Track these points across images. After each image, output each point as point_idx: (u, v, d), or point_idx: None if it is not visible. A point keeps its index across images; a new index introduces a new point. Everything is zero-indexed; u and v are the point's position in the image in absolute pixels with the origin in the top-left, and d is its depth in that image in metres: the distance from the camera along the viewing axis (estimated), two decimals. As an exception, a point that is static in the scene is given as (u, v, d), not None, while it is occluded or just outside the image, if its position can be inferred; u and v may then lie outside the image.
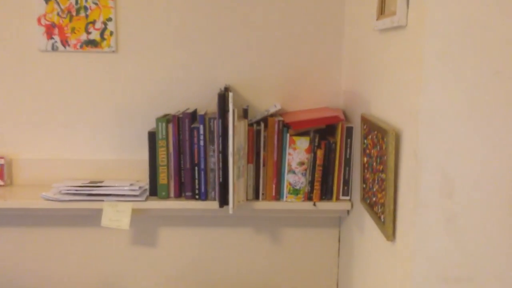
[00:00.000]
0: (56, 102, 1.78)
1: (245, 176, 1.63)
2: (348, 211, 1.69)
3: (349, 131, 1.62)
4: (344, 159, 1.63)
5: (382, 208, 1.23)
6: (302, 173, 1.63)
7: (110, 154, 1.80)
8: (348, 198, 1.65)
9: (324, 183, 1.64)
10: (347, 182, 1.64)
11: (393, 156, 1.14)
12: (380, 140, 1.23)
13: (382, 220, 1.22)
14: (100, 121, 1.79)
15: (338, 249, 1.83)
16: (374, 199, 1.32)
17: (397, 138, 1.14)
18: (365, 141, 1.40)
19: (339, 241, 1.83)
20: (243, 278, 1.85)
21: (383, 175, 1.22)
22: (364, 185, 1.42)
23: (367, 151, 1.39)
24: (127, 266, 1.84)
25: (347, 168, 1.64)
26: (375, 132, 1.28)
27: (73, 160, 1.78)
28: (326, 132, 1.69)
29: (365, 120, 1.39)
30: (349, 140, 1.63)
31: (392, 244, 1.18)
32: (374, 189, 1.31)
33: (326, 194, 1.65)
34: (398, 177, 1.15)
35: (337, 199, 1.65)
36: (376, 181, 1.30)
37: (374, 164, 1.31)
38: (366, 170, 1.40)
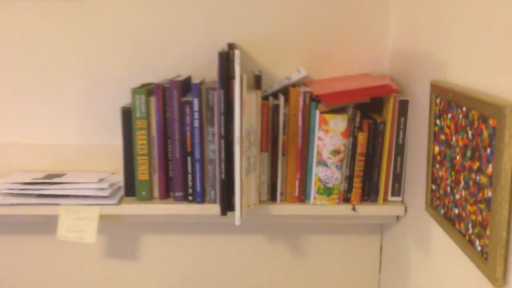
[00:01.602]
0: (3, 71, 1.31)
1: (257, 170, 1.17)
2: (397, 217, 1.23)
3: (404, 107, 1.15)
4: (395, 146, 1.17)
5: (478, 230, 0.78)
6: (336, 166, 1.17)
7: (74, 138, 1.34)
8: (399, 199, 1.19)
9: (367, 179, 1.18)
10: (398, 178, 1.18)
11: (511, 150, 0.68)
12: (479, 123, 0.77)
13: (479, 249, 0.77)
14: (61, 95, 1.32)
15: (380, 264, 1.38)
16: (456, 211, 0.86)
17: (519, 120, 0.68)
18: (439, 122, 0.94)
19: (380, 253, 1.38)
20: (254, 299, 1.42)
21: (481, 179, 0.76)
22: (435, 187, 0.96)
23: (442, 136, 0.92)
24: (99, 284, 1.41)
25: (399, 159, 1.18)
26: (464, 109, 0.81)
27: (27, 146, 1.33)
28: (369, 109, 1.22)
29: (440, 91, 0.92)
30: (403, 120, 1.16)
31: (500, 291, 0.73)
32: (458, 197, 0.86)
33: (369, 194, 1.19)
34: (516, 184, 0.69)
35: (385, 200, 1.19)
36: (462, 185, 0.84)
37: (459, 158, 0.85)
38: (439, 165, 0.94)
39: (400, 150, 1.17)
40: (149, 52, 1.31)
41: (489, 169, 0.74)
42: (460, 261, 0.86)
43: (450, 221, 0.89)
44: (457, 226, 0.86)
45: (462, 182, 0.84)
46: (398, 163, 1.17)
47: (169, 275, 1.40)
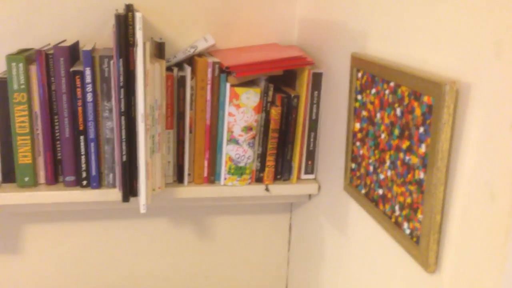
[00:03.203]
0: None
1: (162, 149, 1.05)
2: (309, 195, 1.19)
3: (317, 80, 1.10)
4: (308, 121, 1.11)
5: (407, 212, 0.74)
6: (249, 143, 1.08)
7: None
8: (313, 177, 1.15)
9: (280, 156, 1.12)
10: (311, 155, 1.13)
11: (450, 131, 0.64)
12: (410, 100, 0.72)
13: (408, 232, 0.74)
14: None
15: (289, 243, 1.34)
16: (380, 191, 0.83)
17: (456, 99, 0.64)
18: (361, 97, 0.89)
19: (289, 232, 1.34)
20: (160, 285, 1.30)
21: (412, 159, 0.73)
22: (354, 165, 0.92)
23: (364, 113, 0.88)
24: (-25, 285, 1.21)
25: (313, 135, 1.12)
26: (392, 84, 0.76)
27: None
28: (280, 82, 1.15)
29: (363, 64, 0.87)
30: (316, 94, 1.10)
31: (430, 276, 0.70)
32: (382, 177, 0.82)
33: (283, 172, 1.13)
34: (450, 168, 0.66)
35: (298, 178, 1.14)
36: (387, 164, 0.80)
37: (384, 136, 0.81)
38: (360, 143, 0.90)
39: (313, 126, 1.11)
40: (26, 11, 1.10)
41: (422, 149, 0.70)
42: (383, 242, 0.83)
43: (373, 202, 0.86)
44: (381, 207, 0.83)
45: (388, 161, 0.80)
46: (312, 140, 1.12)
47: (61, 268, 1.23)
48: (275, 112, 1.08)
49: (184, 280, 1.31)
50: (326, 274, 1.10)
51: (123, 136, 0.98)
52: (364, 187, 0.89)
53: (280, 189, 1.11)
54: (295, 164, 1.12)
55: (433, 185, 0.67)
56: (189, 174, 1.10)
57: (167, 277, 1.30)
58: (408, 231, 0.74)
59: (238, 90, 1.06)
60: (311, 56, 1.14)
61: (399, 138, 0.77)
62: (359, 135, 0.90)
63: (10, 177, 1.03)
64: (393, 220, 0.79)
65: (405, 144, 0.75)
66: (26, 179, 1.03)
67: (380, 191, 0.83)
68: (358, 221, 0.93)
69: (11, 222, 1.18)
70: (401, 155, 0.76)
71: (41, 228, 1.20)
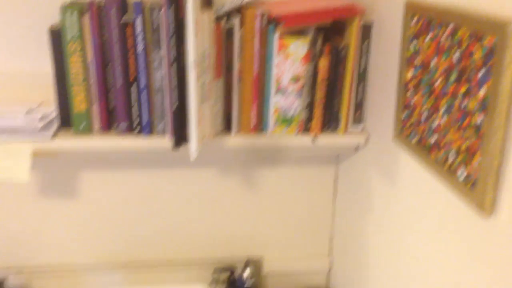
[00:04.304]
0: None
1: (211, 98, 1.06)
2: (356, 147, 1.19)
3: (367, 30, 1.08)
4: (358, 72, 1.10)
5: (462, 158, 0.74)
6: (297, 94, 1.08)
7: (-8, 64, 1.15)
8: (360, 128, 1.14)
9: (328, 107, 1.12)
10: (360, 106, 1.13)
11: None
12: (469, 42, 0.71)
13: (463, 177, 0.73)
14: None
15: (334, 195, 1.35)
16: (433, 139, 0.82)
17: (520, 39, 0.62)
18: (415, 44, 0.87)
19: (335, 185, 1.34)
20: (207, 235, 1.35)
21: (469, 104, 0.71)
22: (406, 115, 0.91)
23: (418, 60, 0.86)
24: (35, 226, 1.27)
25: (362, 86, 1.11)
26: (451, 27, 0.74)
27: None
28: (329, 32, 1.13)
29: (418, 9, 0.85)
30: (366, 44, 1.09)
31: (486, 220, 0.70)
32: (436, 124, 0.81)
33: (330, 123, 1.13)
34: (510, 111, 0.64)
35: (345, 129, 1.14)
36: (442, 111, 0.79)
37: (440, 82, 0.79)
38: (412, 92, 0.89)
39: (362, 77, 1.10)
40: (79, -37, 1.12)
41: (481, 93, 0.69)
42: (434, 190, 0.83)
43: (424, 150, 0.85)
44: (433, 155, 0.82)
45: (443, 108, 0.79)
46: (360, 90, 1.11)
47: (111, 213, 1.29)
48: (323, 62, 1.07)
49: (229, 230, 1.35)
50: (372, 225, 1.11)
51: (174, 84, 1.00)
52: (416, 136, 0.88)
53: (327, 140, 1.12)
54: (343, 115, 1.11)
55: (493, 129, 0.66)
56: (237, 124, 1.11)
57: (213, 226, 1.34)
58: (462, 177, 0.74)
59: (287, 40, 1.05)
60: (361, 5, 1.12)
61: (456, 83, 0.75)
62: (411, 83, 0.89)
63: (66, 124, 1.07)
64: (446, 167, 0.78)
65: (462, 89, 0.73)
66: (82, 126, 1.06)
67: (433, 139, 0.82)
68: (407, 171, 0.93)
69: (67, 167, 1.23)
70: (458, 100, 0.75)
71: (95, 175, 1.24)
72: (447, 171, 0.78)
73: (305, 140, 1.11)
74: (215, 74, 1.07)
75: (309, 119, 1.11)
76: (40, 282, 1.31)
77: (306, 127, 1.12)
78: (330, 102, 1.11)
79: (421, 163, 0.87)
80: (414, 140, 0.89)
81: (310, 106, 1.10)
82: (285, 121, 1.10)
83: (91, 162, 1.23)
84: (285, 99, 1.08)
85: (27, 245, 1.28)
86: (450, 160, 0.77)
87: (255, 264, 1.37)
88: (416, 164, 0.89)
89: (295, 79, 1.07)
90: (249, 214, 1.34)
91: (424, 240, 0.87)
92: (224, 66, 1.08)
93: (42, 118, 1.05)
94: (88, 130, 1.07)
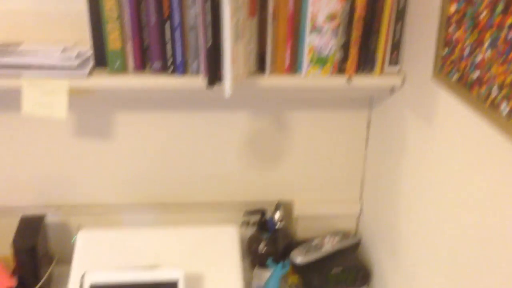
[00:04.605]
0: None
1: (245, 37, 1.05)
2: (391, 89, 1.17)
3: (408, -35, 1.04)
4: (396, 9, 1.07)
5: (506, 91, 0.71)
6: (332, 32, 1.06)
7: (29, 2, 1.15)
8: (396, 69, 1.12)
9: (364, 47, 1.09)
10: (397, 46, 1.10)
11: None
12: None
13: (506, 112, 0.71)
14: None
15: (366, 140, 1.34)
16: (476, 74, 0.79)
17: None
18: (460, -24, 0.83)
19: (368, 129, 1.33)
20: (238, 178, 1.36)
21: (517, 34, 0.68)
22: (447, 51, 0.89)
23: (463, -7, 0.83)
24: (72, 166, 1.31)
25: (400, 24, 1.08)
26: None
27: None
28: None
29: None
30: (406, -20, 1.05)
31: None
32: (480, 58, 0.78)
33: (366, 63, 1.11)
34: None
35: (381, 71, 1.11)
36: (487, 45, 0.76)
37: (485, 14, 0.76)
38: (455, 27, 0.86)
39: (401, 15, 1.07)
40: None
41: (530, 22, 0.66)
42: (475, 127, 0.81)
43: (466, 87, 0.83)
44: (475, 91, 0.80)
45: (488, 41, 0.76)
46: (398, 30, 1.08)
47: (145, 155, 1.31)
48: (360, 0, 1.04)
49: (261, 173, 1.36)
50: (405, 169, 1.10)
51: (208, 21, 0.99)
52: (457, 72, 0.86)
53: (362, 81, 1.10)
54: (379, 56, 1.09)
55: (542, 58, 0.63)
56: (271, 64, 1.10)
57: (244, 169, 1.35)
58: (505, 111, 0.72)
59: (324, -25, 1.02)
60: None
61: (502, 15, 0.72)
62: (454, 18, 0.86)
63: (101, 63, 1.08)
64: (488, 103, 0.76)
65: (509, 20, 0.70)
66: (117, 64, 1.07)
67: (475, 75, 0.80)
68: (446, 110, 0.91)
69: (103, 108, 1.24)
70: (504, 32, 0.72)
71: (129, 116, 1.26)
72: (489, 106, 0.76)
73: (339, 81, 1.09)
74: (249, 12, 1.05)
75: (344, 59, 1.09)
76: (77, 219, 1.35)
77: (340, 68, 1.10)
78: (366, 42, 1.08)
79: (461, 101, 0.85)
80: (455, 78, 0.86)
81: (345, 46, 1.08)
82: (320, 61, 1.08)
83: (125, 103, 1.24)
84: (320, 38, 1.06)
85: (64, 185, 1.32)
86: (493, 95, 0.75)
87: (285, 207, 1.39)
88: (456, 102, 0.87)
89: (331, 17, 1.05)
90: (280, 158, 1.35)
91: (461, 181, 0.86)
92: (258, 4, 1.05)
93: (77, 57, 1.06)
94: (122, 69, 1.08)
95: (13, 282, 1.17)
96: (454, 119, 0.88)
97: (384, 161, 1.22)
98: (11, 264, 1.21)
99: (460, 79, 0.84)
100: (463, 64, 0.83)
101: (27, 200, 1.32)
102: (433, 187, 0.96)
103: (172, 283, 1.02)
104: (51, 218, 1.34)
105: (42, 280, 1.18)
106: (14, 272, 1.20)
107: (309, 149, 1.34)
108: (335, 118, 1.31)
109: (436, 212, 0.95)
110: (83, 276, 1.01)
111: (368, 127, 1.32)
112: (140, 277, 1.02)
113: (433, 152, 0.96)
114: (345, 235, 1.38)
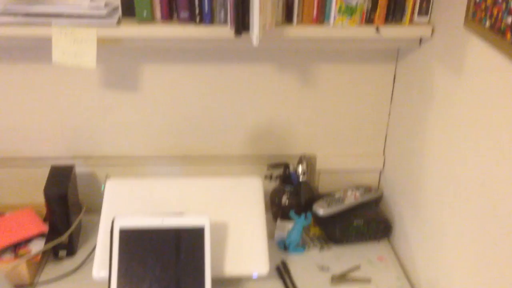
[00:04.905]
0: None
1: (273, -15, 1.04)
2: (420, 41, 1.15)
3: None
4: (428, -43, 1.05)
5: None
6: (361, -19, 1.05)
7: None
8: (426, 19, 1.10)
9: (393, -4, 1.08)
10: (427, -5, 1.08)
11: None
12: None
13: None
14: None
15: (392, 94, 1.34)
16: (510, 19, 0.78)
17: None
18: None
19: (393, 82, 1.32)
20: (263, 131, 1.38)
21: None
22: (480, -2, 0.87)
23: None
24: (99, 118, 1.33)
25: (431, -27, 1.06)
26: None
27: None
28: None
29: None
30: None
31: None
32: (514, 3, 0.77)
33: (394, 13, 1.09)
34: None
35: (411, 21, 1.10)
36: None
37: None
38: (490, -28, 0.84)
39: (432, -37, 1.05)
40: None
41: None
42: (508, 74, 0.81)
43: (499, 33, 0.82)
44: (508, 37, 0.79)
45: (524, -16, 0.75)
46: (429, -21, 1.06)
47: (171, 107, 1.32)
48: None
49: (285, 126, 1.37)
50: (431, 122, 1.09)
51: (237, -32, 0.98)
52: (490, 19, 0.84)
53: (390, 31, 1.08)
54: (409, 5, 1.07)
55: None
56: (298, 14, 1.09)
57: (269, 122, 1.36)
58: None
59: None
60: None
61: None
62: (489, -37, 0.84)
63: (129, 12, 1.08)
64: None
65: (549, -39, 0.69)
66: (144, 13, 1.07)
67: (510, 20, 0.78)
68: (478, 58, 0.90)
69: (130, 59, 1.25)
70: (543, -26, 0.70)
71: (156, 67, 1.27)
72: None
73: (367, 31, 1.08)
74: (277, -40, 1.04)
75: (373, 9, 1.08)
76: (104, 170, 1.39)
77: (369, 18, 1.09)
78: (395, -9, 1.06)
79: (493, 48, 0.84)
80: (487, 25, 0.85)
81: (374, -5, 1.07)
82: (348, 11, 1.07)
83: (153, 55, 1.25)
84: (349, -13, 1.05)
85: (92, 136, 1.35)
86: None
87: (308, 160, 1.40)
88: (489, 50, 0.86)
89: (361, -35, 1.03)
90: (305, 111, 1.35)
91: (491, 132, 0.86)
92: (286, -49, 1.04)
93: (106, 6, 1.06)
94: (150, 18, 1.08)
95: (45, 227, 1.21)
96: (486, 68, 0.87)
97: (409, 114, 1.22)
98: (43, 211, 1.26)
99: (492, 25, 0.83)
100: (496, 10, 0.82)
101: (57, 151, 1.36)
102: (461, 140, 0.96)
103: (198, 228, 1.05)
104: (79, 169, 1.38)
105: (73, 227, 1.22)
106: (46, 219, 1.24)
107: (333, 103, 1.34)
108: (361, 71, 1.30)
109: (462, 165, 0.96)
110: (113, 221, 1.04)
111: (394, 81, 1.31)
112: (168, 223, 1.05)
113: (462, 103, 0.96)
114: (367, 189, 1.39)
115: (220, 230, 1.15)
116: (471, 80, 0.92)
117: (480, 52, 0.89)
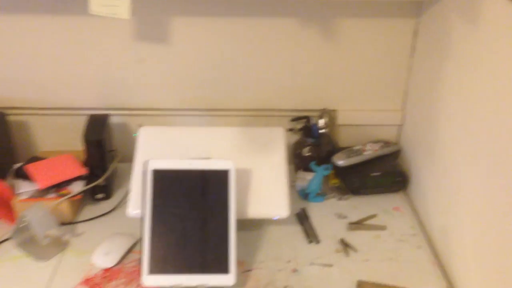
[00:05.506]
0: None
1: None
2: (440, -5, 1.19)
3: None
4: None
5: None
6: None
7: None
8: (446, -25, 1.13)
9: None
10: (448, -49, 1.11)
11: None
12: None
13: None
14: None
15: (412, 49, 1.38)
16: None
17: None
18: None
19: (415, 37, 1.36)
20: (285, 85, 1.44)
21: None
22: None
23: None
24: (131, 70, 1.41)
25: None
26: None
27: None
28: None
29: None
30: None
31: None
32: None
33: (415, -31, 1.13)
34: None
35: (430, -24, 1.13)
36: None
37: None
38: None
39: None
40: None
41: None
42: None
43: (512, -17, 0.85)
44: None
45: None
46: None
47: (199, 59, 1.40)
48: None
49: (306, 81, 1.43)
50: (451, 77, 1.13)
51: None
52: (504, -30, 0.87)
53: (410, -14, 1.12)
54: (429, -40, 1.10)
55: None
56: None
57: (291, 77, 1.42)
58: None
59: None
60: None
61: None
62: None
63: (161, -33, 1.14)
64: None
65: None
66: (175, -32, 1.13)
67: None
68: (498, 12, 0.93)
69: (161, 9, 1.32)
70: None
71: (187, 20, 1.33)
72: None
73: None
74: None
75: (394, -36, 1.11)
76: (137, 120, 1.48)
77: (390, -27, 1.12)
78: None
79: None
80: (502, -24, 0.88)
81: (396, -50, 1.10)
82: (370, -35, 1.11)
83: (185, 8, 1.31)
84: None
85: (125, 88, 1.43)
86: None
87: (329, 114, 1.46)
88: (508, 3, 0.89)
89: None
90: (326, 66, 1.41)
91: (509, 88, 0.90)
92: None
93: (139, -40, 1.13)
94: (180, -27, 1.14)
95: (85, 170, 1.31)
96: (506, 23, 0.91)
97: (428, 70, 1.26)
98: (82, 157, 1.36)
99: (507, -23, 0.86)
100: (511, -38, 0.85)
101: (92, 102, 1.45)
102: (479, 95, 1.00)
103: (224, 171, 1.13)
104: (113, 119, 1.47)
105: (109, 171, 1.32)
106: (85, 163, 1.34)
107: (354, 57, 1.39)
108: (382, 25, 1.34)
109: (480, 120, 0.99)
110: (146, 163, 1.13)
111: (414, 35, 1.35)
112: (197, 165, 1.13)
113: (482, 57, 0.99)
114: (386, 143, 1.44)
115: (244, 175, 1.22)
116: (490, 35, 0.96)
117: (501, 5, 0.92)
